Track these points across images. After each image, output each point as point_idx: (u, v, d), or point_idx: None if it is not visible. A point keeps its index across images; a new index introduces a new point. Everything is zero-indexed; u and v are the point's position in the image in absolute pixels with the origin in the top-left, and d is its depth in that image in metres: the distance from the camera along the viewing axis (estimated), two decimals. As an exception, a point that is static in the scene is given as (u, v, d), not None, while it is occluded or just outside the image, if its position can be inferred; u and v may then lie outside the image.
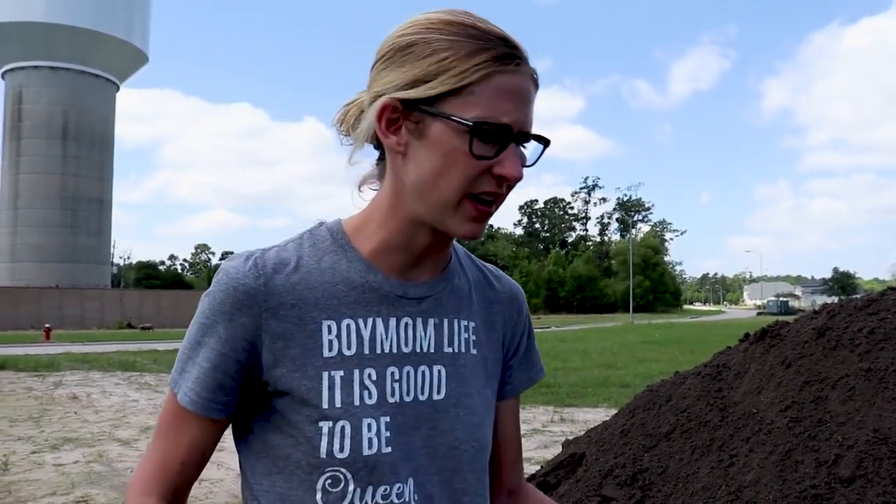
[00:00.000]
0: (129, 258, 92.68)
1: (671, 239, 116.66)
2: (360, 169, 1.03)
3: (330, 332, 0.93)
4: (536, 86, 0.92)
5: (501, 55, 0.88)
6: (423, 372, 0.98)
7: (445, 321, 1.01)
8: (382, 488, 0.92)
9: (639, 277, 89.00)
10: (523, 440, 1.21)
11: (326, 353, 0.93)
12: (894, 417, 2.59)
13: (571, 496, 3.32)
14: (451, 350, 1.01)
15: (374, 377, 0.94)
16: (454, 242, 1.06)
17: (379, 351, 0.95)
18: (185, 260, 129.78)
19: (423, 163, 0.90)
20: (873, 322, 2.99)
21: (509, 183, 0.89)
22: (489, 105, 0.87)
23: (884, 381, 2.72)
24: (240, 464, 1.01)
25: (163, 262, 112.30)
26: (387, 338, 0.96)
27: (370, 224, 0.98)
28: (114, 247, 66.26)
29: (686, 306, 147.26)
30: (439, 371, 0.99)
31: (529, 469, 5.02)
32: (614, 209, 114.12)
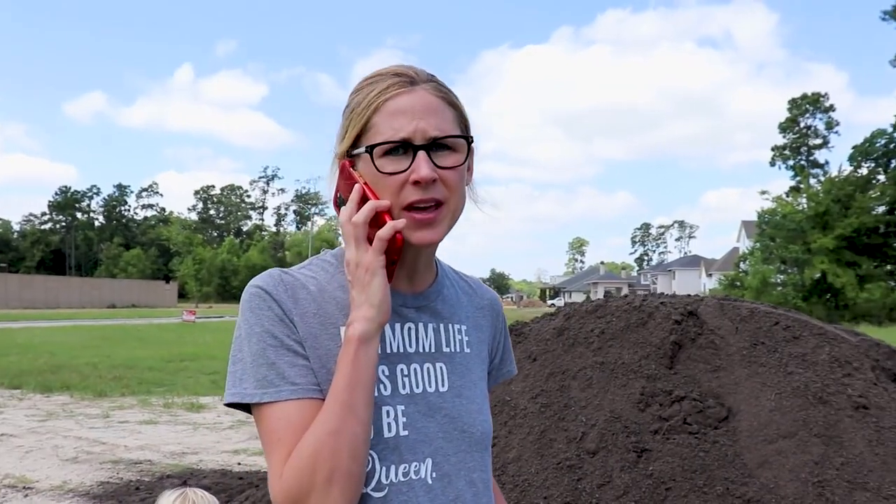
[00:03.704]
0: None
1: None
2: None
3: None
4: (443, 95, 1.10)
5: (388, 86, 1.08)
6: (428, 368, 1.15)
7: (441, 325, 1.19)
8: (403, 467, 1.07)
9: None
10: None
11: None
12: (624, 400, 3.27)
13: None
14: (448, 350, 1.19)
15: (386, 373, 1.10)
16: (439, 259, 1.26)
17: (388, 351, 1.12)
18: None
19: None
20: (602, 324, 3.70)
21: (422, 185, 1.05)
22: (387, 128, 1.06)
23: (614, 371, 3.40)
24: None
25: None
26: (394, 340, 1.13)
27: None
28: None
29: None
30: (441, 367, 1.16)
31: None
32: (292, 201, 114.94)
